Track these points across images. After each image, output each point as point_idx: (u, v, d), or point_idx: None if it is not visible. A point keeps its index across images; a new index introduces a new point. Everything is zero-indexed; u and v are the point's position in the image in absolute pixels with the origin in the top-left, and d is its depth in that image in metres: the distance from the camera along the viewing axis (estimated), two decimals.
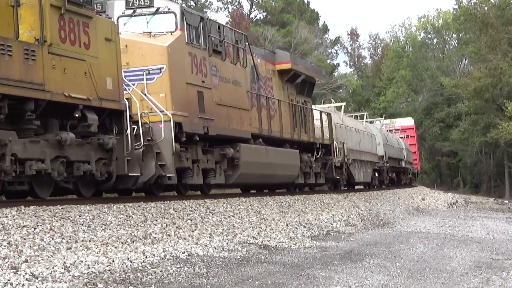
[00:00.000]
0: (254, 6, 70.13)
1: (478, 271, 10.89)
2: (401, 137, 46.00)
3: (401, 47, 78.63)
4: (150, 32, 15.74)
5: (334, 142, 25.79)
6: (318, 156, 23.82)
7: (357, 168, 29.79)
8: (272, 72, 21.48)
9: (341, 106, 32.65)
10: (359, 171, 29.96)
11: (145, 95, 14.88)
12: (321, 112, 25.59)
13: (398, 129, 47.97)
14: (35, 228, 9.74)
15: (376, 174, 34.62)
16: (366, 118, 40.23)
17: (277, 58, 22.06)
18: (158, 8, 15.80)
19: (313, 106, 26.09)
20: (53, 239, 9.55)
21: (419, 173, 52.43)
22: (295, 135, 22.20)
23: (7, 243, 8.85)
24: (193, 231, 12.49)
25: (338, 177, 26.42)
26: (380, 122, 45.51)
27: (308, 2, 74.23)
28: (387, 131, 43.73)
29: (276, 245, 12.74)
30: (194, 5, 66.62)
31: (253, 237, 13.17)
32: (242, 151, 17.61)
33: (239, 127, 18.06)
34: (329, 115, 25.93)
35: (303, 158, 22.20)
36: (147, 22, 15.83)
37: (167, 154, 14.58)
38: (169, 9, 15.88)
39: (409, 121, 52.17)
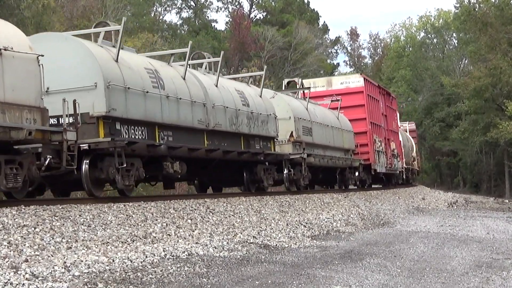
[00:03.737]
0: (254, 6, 70.18)
1: (478, 271, 10.89)
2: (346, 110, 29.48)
3: (401, 47, 78.69)
4: None
5: None
6: None
7: None
8: None
9: None
10: None
11: None
12: None
13: (338, 94, 29.98)
14: (35, 228, 9.75)
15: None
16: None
17: None
18: None
19: None
20: (53, 238, 9.55)
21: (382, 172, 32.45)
22: None
23: (7, 243, 8.85)
24: (193, 231, 12.49)
25: None
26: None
27: (308, 2, 74.29)
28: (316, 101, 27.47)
29: (276, 245, 12.74)
30: (194, 5, 66.71)
31: (253, 236, 13.17)
32: None
33: None
34: None
35: None
36: None
37: None
38: None
39: (354, 81, 30.91)
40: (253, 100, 20.38)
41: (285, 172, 21.61)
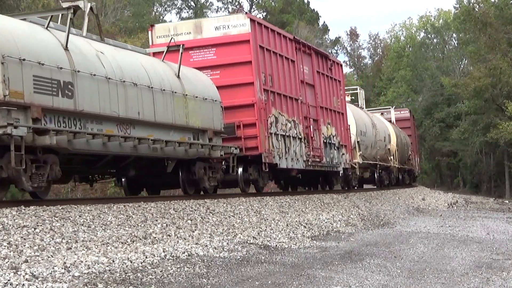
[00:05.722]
0: (254, 6, 70.20)
1: (478, 271, 10.89)
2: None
3: (401, 47, 78.76)
4: None
5: None
6: None
7: None
8: None
9: None
10: None
11: None
12: None
13: (212, 45, 19.55)
14: (35, 228, 9.75)
15: None
16: None
17: None
18: None
19: None
20: (53, 239, 9.55)
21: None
22: None
23: (7, 243, 8.85)
24: (193, 231, 12.49)
25: None
26: None
27: (308, 2, 74.31)
28: None
29: (276, 245, 12.74)
30: (194, 5, 66.73)
31: (253, 237, 13.17)
32: None
33: None
34: None
35: None
36: None
37: None
38: None
39: (236, 24, 19.40)
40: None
41: None
